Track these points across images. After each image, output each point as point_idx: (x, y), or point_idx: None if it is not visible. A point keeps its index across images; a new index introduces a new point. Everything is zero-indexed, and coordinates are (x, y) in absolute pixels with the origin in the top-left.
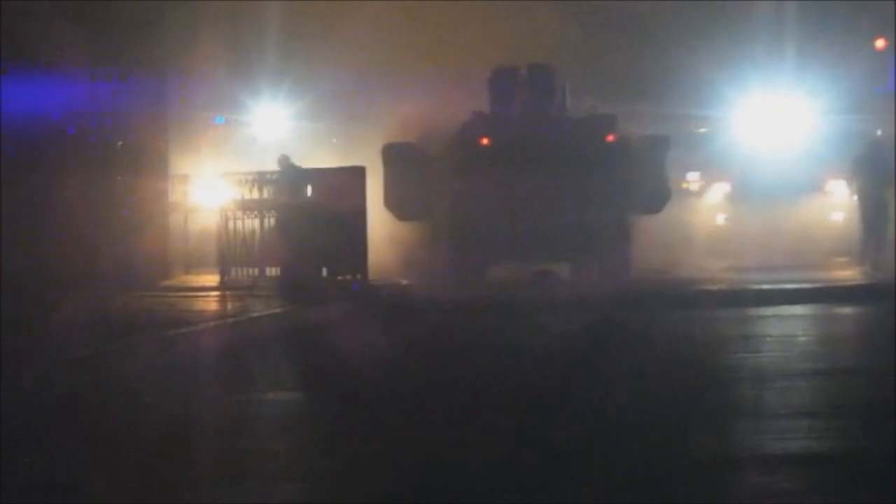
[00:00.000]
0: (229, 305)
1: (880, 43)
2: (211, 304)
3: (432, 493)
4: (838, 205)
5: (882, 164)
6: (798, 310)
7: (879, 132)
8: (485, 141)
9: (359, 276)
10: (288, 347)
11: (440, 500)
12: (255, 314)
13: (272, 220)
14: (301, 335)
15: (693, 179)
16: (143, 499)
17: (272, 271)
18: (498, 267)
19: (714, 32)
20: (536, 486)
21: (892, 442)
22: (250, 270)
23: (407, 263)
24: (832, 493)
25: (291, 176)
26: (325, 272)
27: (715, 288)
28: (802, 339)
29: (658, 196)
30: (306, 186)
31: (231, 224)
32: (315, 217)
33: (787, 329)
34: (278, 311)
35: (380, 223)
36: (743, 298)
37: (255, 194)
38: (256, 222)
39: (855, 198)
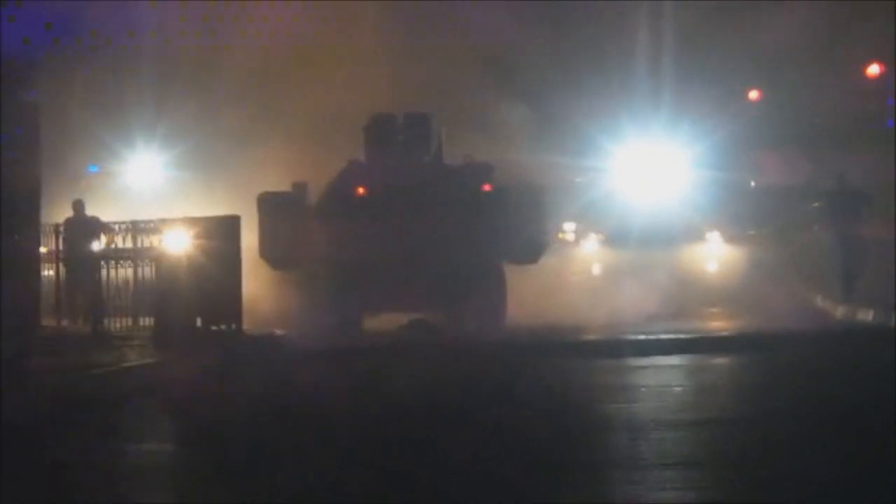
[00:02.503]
0: (99, 356)
1: (753, 94)
2: (81, 353)
3: None
4: (713, 254)
5: (853, 198)
6: (673, 360)
7: (752, 184)
8: (360, 190)
9: (233, 325)
10: (155, 399)
11: None
12: (124, 364)
13: (146, 269)
14: (171, 386)
15: (570, 229)
16: None
17: (146, 321)
18: (374, 316)
19: (591, 82)
20: None
21: (764, 491)
22: (124, 320)
23: (283, 313)
24: None
25: (81, 223)
26: (199, 321)
27: (590, 338)
28: (677, 389)
29: (534, 246)
30: (98, 234)
31: (104, 273)
32: (190, 266)
33: (662, 379)
34: (148, 361)
35: (256, 272)
36: (617, 349)
37: (129, 243)
38: (130, 271)
39: (826, 234)
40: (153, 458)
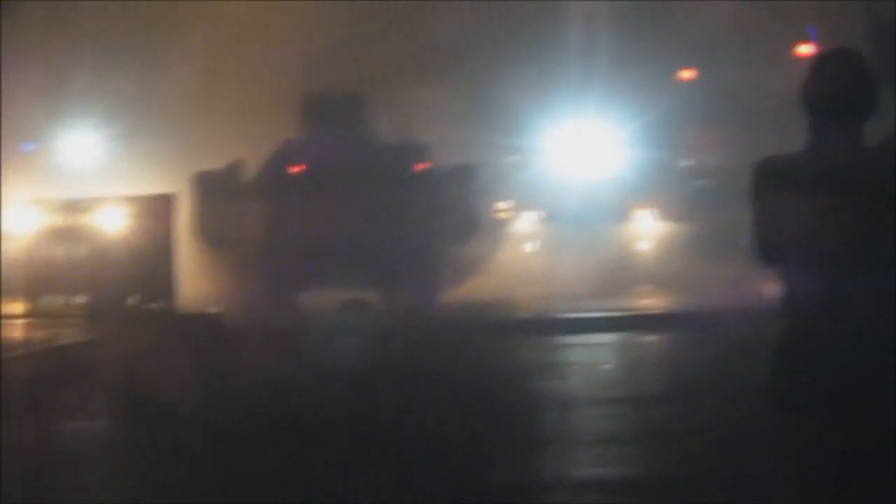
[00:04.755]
0: (35, 334)
1: (688, 73)
2: (15, 331)
3: None
4: (644, 233)
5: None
6: (604, 338)
7: (682, 163)
8: (295, 168)
9: (168, 303)
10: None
11: None
12: (59, 343)
13: (81, 248)
14: (105, 364)
15: (504, 208)
16: None
17: (79, 299)
18: (308, 295)
19: (525, 60)
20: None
21: (693, 465)
22: (59, 298)
23: (218, 292)
24: None
25: None
26: (133, 300)
27: (522, 316)
28: (606, 367)
29: (468, 225)
30: None
31: (41, 251)
32: (124, 244)
33: (593, 357)
34: (84, 339)
35: (191, 250)
36: (550, 327)
37: (65, 222)
38: (63, 249)
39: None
40: (86, 437)
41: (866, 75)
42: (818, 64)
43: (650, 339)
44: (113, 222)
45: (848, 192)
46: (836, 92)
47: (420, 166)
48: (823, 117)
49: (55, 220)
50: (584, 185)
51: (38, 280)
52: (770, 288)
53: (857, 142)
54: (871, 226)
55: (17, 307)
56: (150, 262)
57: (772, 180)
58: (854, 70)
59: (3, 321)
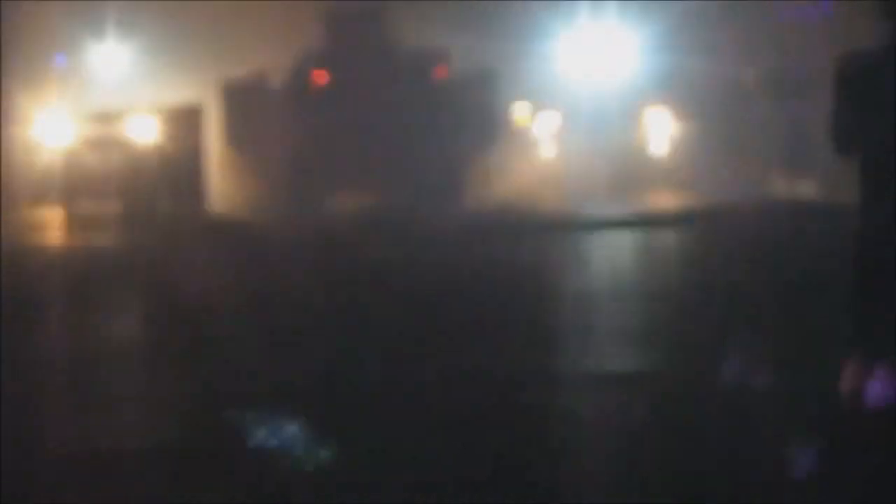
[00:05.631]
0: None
1: None
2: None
3: None
4: (664, 130)
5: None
6: (624, 236)
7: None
8: (320, 76)
9: (200, 209)
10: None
11: None
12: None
13: (118, 156)
14: (138, 267)
15: (523, 110)
16: None
17: (114, 205)
18: (332, 200)
19: None
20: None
21: (700, 362)
22: (93, 204)
23: (250, 197)
24: (655, 410)
25: None
26: (165, 206)
27: (543, 216)
28: (627, 263)
29: (490, 129)
30: None
31: (75, 161)
32: (155, 152)
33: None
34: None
35: (220, 157)
36: (572, 225)
37: (98, 132)
38: (96, 158)
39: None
40: (119, 337)
41: None
42: None
43: (669, 236)
44: (144, 132)
45: None
46: None
47: (440, 72)
48: None
49: (88, 130)
50: (601, 85)
51: (73, 188)
52: (784, 185)
53: None
54: None
55: (54, 214)
56: (181, 170)
57: (852, 73)
58: None
59: (42, 227)
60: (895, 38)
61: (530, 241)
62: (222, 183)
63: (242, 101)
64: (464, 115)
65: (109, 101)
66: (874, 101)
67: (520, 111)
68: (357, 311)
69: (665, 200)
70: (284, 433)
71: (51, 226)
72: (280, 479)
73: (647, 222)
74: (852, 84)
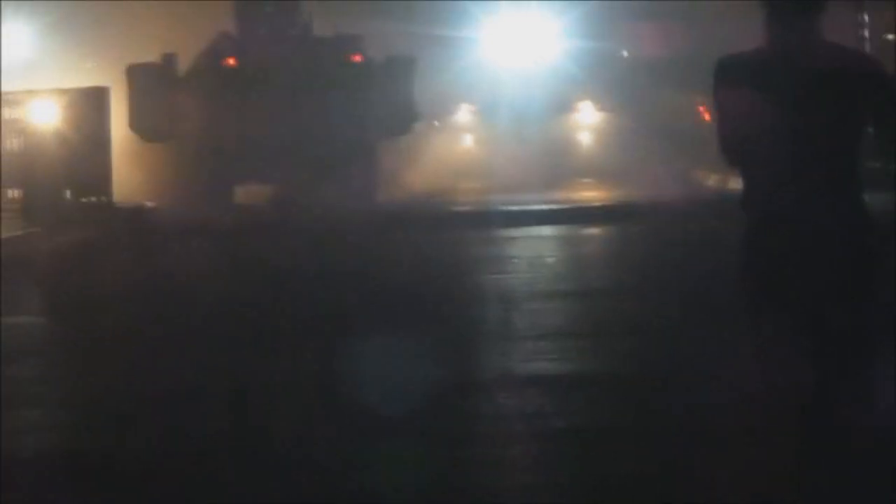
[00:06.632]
0: None
1: None
2: None
3: None
4: (585, 125)
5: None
6: (545, 231)
7: (624, 53)
8: (230, 62)
9: (103, 197)
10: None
11: None
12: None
13: (13, 142)
14: (40, 257)
15: (441, 100)
16: None
17: (14, 193)
18: (242, 189)
19: None
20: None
21: (631, 362)
22: None
23: (154, 185)
24: (579, 413)
25: None
26: (68, 194)
27: (461, 209)
28: (549, 260)
29: (404, 118)
30: None
31: None
32: (59, 137)
33: (534, 251)
34: (18, 233)
35: (127, 144)
36: (490, 220)
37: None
38: None
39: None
40: (22, 331)
41: None
42: None
43: (592, 231)
44: (47, 116)
45: (804, 86)
46: None
47: (355, 58)
48: (778, 11)
49: None
50: (523, 76)
51: None
52: (709, 179)
53: (813, 35)
54: (829, 121)
55: None
56: (85, 156)
57: (730, 78)
58: None
59: None
60: (771, 34)
61: (444, 234)
62: (128, 170)
63: (150, 85)
64: (378, 103)
65: (10, 84)
66: (750, 111)
67: (438, 100)
68: (263, 299)
69: (589, 193)
70: None
71: None
72: None
73: (570, 217)
74: (731, 88)
